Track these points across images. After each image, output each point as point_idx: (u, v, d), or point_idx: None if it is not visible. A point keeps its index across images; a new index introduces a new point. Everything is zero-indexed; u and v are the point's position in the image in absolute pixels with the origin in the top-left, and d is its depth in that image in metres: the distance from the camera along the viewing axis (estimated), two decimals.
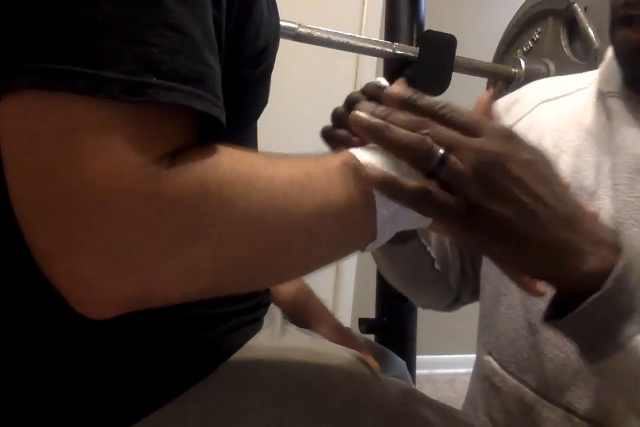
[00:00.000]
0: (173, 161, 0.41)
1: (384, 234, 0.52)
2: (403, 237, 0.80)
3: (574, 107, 0.81)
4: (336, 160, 0.50)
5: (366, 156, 0.51)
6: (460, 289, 0.92)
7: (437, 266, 0.87)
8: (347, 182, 0.49)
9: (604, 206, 0.71)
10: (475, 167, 0.48)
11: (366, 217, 0.50)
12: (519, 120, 0.86)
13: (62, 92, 0.39)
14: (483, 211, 0.49)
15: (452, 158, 0.49)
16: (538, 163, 0.51)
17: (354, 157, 0.50)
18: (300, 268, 0.51)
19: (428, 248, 0.85)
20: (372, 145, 0.53)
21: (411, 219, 0.52)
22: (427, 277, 0.89)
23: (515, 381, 0.78)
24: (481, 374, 0.84)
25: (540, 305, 0.74)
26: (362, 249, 0.53)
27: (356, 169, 0.50)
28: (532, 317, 0.76)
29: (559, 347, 0.73)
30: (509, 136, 0.51)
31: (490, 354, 0.82)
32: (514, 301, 0.79)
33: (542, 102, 0.86)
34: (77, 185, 0.39)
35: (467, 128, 0.50)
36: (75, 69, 0.39)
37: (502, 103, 0.89)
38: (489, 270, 0.86)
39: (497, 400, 0.80)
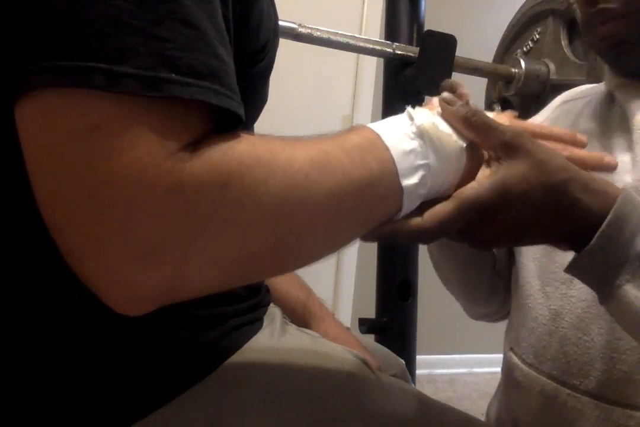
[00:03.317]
0: (193, 152, 0.41)
1: (410, 204, 0.52)
2: None
3: (587, 103, 0.86)
4: (353, 136, 0.50)
5: (382, 129, 0.52)
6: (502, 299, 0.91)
7: (498, 266, 0.85)
8: (366, 157, 0.49)
9: (623, 180, 0.72)
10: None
11: (389, 189, 0.50)
12: (544, 120, 0.91)
13: (80, 88, 0.39)
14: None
15: None
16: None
17: (370, 130, 0.51)
18: (327, 247, 0.51)
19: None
20: (384, 120, 0.54)
21: (435, 187, 0.53)
22: (485, 278, 0.88)
23: (534, 373, 0.78)
24: (504, 371, 0.85)
25: (562, 289, 0.76)
26: (390, 220, 0.53)
27: (374, 142, 0.50)
28: (553, 302, 0.77)
29: (582, 330, 0.74)
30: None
31: (512, 349, 0.83)
32: (532, 290, 0.80)
33: (562, 102, 0.91)
34: (101, 183, 0.39)
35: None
36: (91, 65, 0.39)
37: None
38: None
39: (517, 396, 0.80)
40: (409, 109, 0.55)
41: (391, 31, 1.50)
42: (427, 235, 0.53)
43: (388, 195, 0.50)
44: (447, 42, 1.31)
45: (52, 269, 0.50)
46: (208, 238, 0.41)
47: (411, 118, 0.54)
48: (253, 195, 0.42)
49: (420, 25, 1.49)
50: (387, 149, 0.50)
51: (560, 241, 0.58)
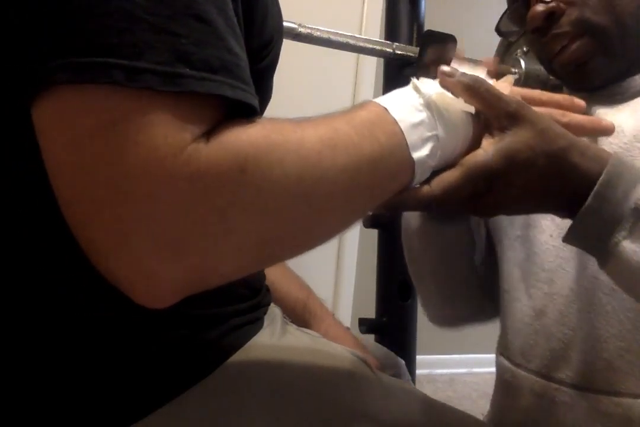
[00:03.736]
0: (208, 140, 0.42)
1: (421, 175, 0.53)
2: (451, 217, 0.80)
3: None
4: (361, 112, 0.51)
5: (389, 103, 0.52)
6: (486, 282, 0.91)
7: (478, 261, 0.86)
8: (375, 132, 0.50)
9: None
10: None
11: (400, 162, 0.51)
12: None
13: (99, 84, 0.39)
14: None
15: None
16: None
17: (377, 105, 0.52)
18: (345, 221, 0.52)
19: (476, 237, 0.84)
20: (390, 93, 0.55)
21: (444, 157, 0.54)
22: (460, 273, 0.88)
23: (522, 372, 0.79)
24: (496, 377, 0.85)
25: (545, 289, 0.78)
26: (405, 188, 0.54)
27: (382, 116, 0.51)
28: (537, 302, 0.79)
29: (565, 324, 0.76)
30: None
31: (501, 353, 0.84)
32: (518, 293, 0.81)
33: None
34: (122, 177, 0.40)
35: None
36: (109, 60, 0.39)
37: None
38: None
39: (508, 398, 0.81)
40: (414, 80, 0.56)
41: (391, 31, 1.50)
42: (436, 202, 0.55)
43: (400, 168, 0.52)
44: (447, 42, 1.31)
45: (52, 269, 0.50)
46: (230, 224, 0.42)
47: (417, 90, 0.54)
48: (270, 177, 0.43)
49: (420, 25, 1.49)
50: (395, 122, 0.51)
51: (560, 207, 0.59)
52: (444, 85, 0.57)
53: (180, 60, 0.41)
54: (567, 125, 0.60)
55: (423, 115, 0.53)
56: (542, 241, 0.79)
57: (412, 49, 1.35)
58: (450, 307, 0.94)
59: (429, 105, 0.53)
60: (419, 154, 0.52)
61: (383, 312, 1.54)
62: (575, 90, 0.84)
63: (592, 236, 0.58)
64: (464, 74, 0.57)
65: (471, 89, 0.56)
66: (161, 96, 0.40)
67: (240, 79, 0.44)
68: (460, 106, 0.55)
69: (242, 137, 0.43)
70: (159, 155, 0.40)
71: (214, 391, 0.55)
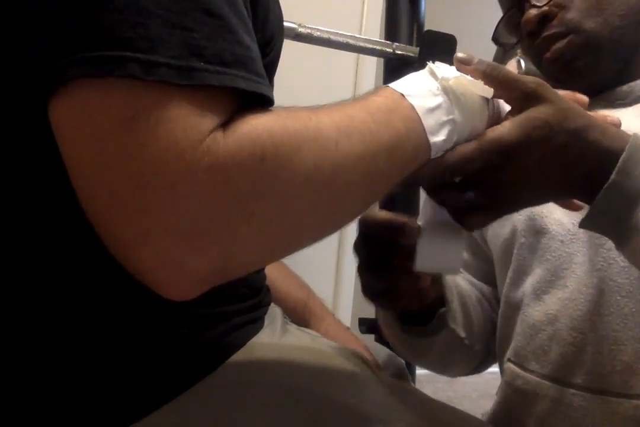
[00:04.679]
0: (226, 130, 0.42)
1: (438, 153, 0.54)
2: (430, 331, 0.79)
3: None
4: (376, 98, 0.51)
5: (405, 88, 0.52)
6: (489, 347, 0.91)
7: (466, 341, 0.84)
8: (392, 118, 0.50)
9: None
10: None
11: (418, 147, 0.51)
12: None
13: (116, 77, 0.40)
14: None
15: None
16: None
17: (393, 91, 0.52)
18: (363, 205, 0.52)
19: (457, 330, 0.82)
20: (405, 78, 0.55)
21: (460, 141, 0.54)
22: (456, 356, 0.88)
23: (537, 379, 0.78)
24: (502, 385, 0.84)
25: (559, 294, 0.77)
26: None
27: (399, 102, 0.51)
28: (550, 307, 0.78)
29: (575, 329, 0.75)
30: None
31: (510, 360, 0.83)
32: (527, 299, 0.81)
33: None
34: (143, 171, 0.40)
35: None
36: (125, 54, 0.40)
37: None
38: (501, 290, 0.88)
39: (523, 405, 0.80)
40: (430, 64, 0.56)
41: (391, 31, 1.50)
42: (449, 170, 0.54)
43: (417, 153, 0.52)
44: (447, 42, 1.31)
45: (52, 269, 0.50)
46: (251, 213, 0.42)
47: (433, 74, 0.54)
48: (288, 166, 0.43)
49: (420, 25, 1.49)
50: (412, 107, 0.51)
51: (578, 186, 0.58)
52: (461, 72, 0.57)
53: (193, 54, 0.41)
54: None
55: (440, 99, 0.53)
56: (554, 248, 0.79)
57: (412, 49, 1.35)
58: (455, 374, 0.98)
59: (446, 89, 0.53)
60: (436, 138, 0.52)
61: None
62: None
63: (613, 213, 0.57)
64: (480, 60, 0.57)
65: (489, 75, 0.56)
66: (177, 89, 0.41)
67: (254, 72, 0.45)
68: (478, 90, 0.55)
69: (258, 126, 0.43)
70: (178, 148, 0.40)
71: (215, 390, 0.55)
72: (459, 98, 0.54)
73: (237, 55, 0.44)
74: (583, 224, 0.60)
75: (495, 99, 0.59)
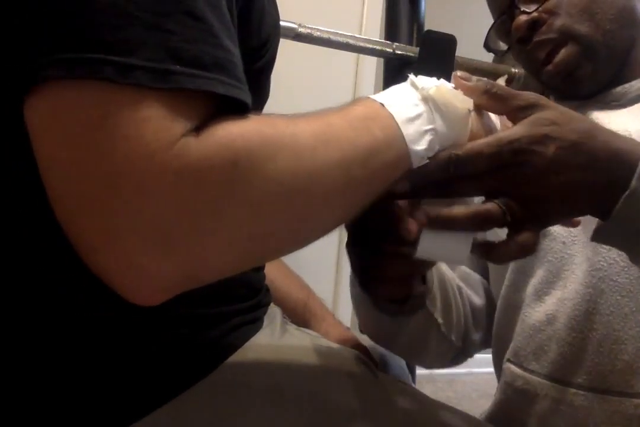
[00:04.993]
0: (199, 135, 0.42)
1: (419, 163, 0.53)
2: (409, 309, 0.73)
3: None
4: (356, 107, 0.51)
5: (385, 98, 0.52)
6: (465, 342, 0.89)
7: (443, 328, 0.83)
8: (371, 126, 0.49)
9: None
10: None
11: (398, 156, 0.51)
12: None
13: (91, 80, 0.40)
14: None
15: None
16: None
17: (373, 100, 0.52)
18: (342, 215, 0.51)
19: (435, 314, 0.80)
20: (387, 90, 0.55)
21: (443, 146, 0.53)
22: (431, 343, 0.86)
23: (537, 378, 0.78)
24: (502, 386, 0.84)
25: (558, 295, 0.77)
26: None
27: (378, 111, 0.51)
28: (549, 307, 0.78)
29: (574, 329, 0.75)
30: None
31: (509, 360, 0.83)
32: (528, 299, 0.81)
33: None
34: (112, 172, 0.40)
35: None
36: (101, 56, 0.40)
37: None
38: (496, 290, 0.87)
39: (523, 405, 0.80)
40: (411, 76, 0.55)
41: (391, 31, 1.50)
42: (455, 162, 0.53)
43: (398, 162, 0.51)
44: (447, 42, 1.31)
45: (52, 269, 0.50)
46: (222, 219, 0.42)
47: (414, 85, 0.54)
48: (263, 172, 0.43)
49: (420, 25, 1.49)
50: (391, 116, 0.51)
51: (594, 192, 0.55)
52: (460, 88, 0.57)
53: (171, 57, 0.41)
54: None
55: (420, 109, 0.52)
56: (555, 249, 0.79)
57: (412, 49, 1.35)
58: (429, 364, 0.93)
59: (426, 99, 0.53)
60: (417, 147, 0.51)
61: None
62: (564, 98, 0.84)
63: (632, 225, 0.54)
64: (479, 78, 0.57)
65: (488, 92, 0.56)
66: (152, 92, 0.40)
67: (233, 76, 0.44)
68: (458, 101, 0.55)
69: (233, 131, 0.43)
70: (148, 150, 0.40)
71: (214, 390, 0.55)
72: (440, 108, 0.53)
73: (218, 59, 0.43)
74: (597, 237, 0.57)
75: (487, 114, 0.59)
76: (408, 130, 0.51)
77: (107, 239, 0.41)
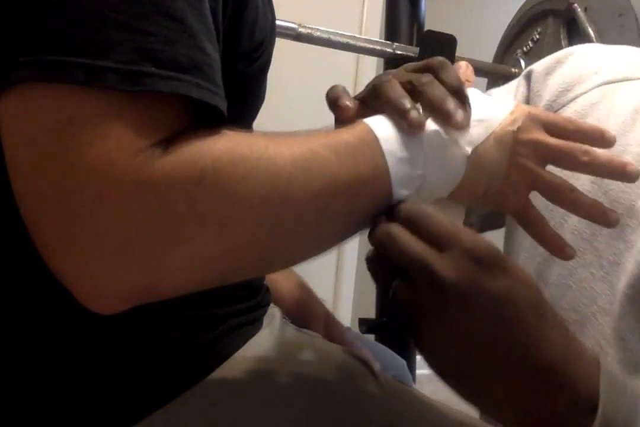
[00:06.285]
0: (167, 148, 0.41)
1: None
2: None
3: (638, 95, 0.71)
4: (348, 136, 0.48)
5: (382, 130, 0.49)
6: None
7: None
8: (359, 161, 0.47)
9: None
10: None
11: (380, 196, 0.48)
12: (572, 100, 0.75)
13: (59, 83, 0.39)
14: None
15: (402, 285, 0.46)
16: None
17: (369, 131, 0.48)
18: (313, 248, 0.49)
19: None
20: (383, 116, 0.50)
21: (428, 194, 0.51)
22: None
23: None
24: None
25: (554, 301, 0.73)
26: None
27: (370, 144, 0.48)
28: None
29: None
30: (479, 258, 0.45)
31: None
32: None
33: (603, 83, 0.74)
34: (71, 177, 0.39)
35: (436, 241, 0.45)
36: (71, 59, 0.39)
37: (540, 68, 0.79)
38: None
39: None
40: None
41: (391, 31, 1.51)
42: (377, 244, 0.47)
43: (378, 202, 0.49)
44: (447, 42, 1.31)
45: (48, 269, 0.50)
46: (182, 235, 0.41)
47: None
48: (231, 192, 0.42)
49: (420, 25, 1.49)
50: (382, 155, 0.48)
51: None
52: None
53: (146, 58, 0.40)
54: (586, 166, 0.53)
55: (414, 151, 0.49)
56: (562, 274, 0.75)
57: (412, 49, 1.35)
58: None
59: (422, 141, 0.49)
60: (403, 192, 0.48)
61: (383, 312, 1.54)
62: None
63: None
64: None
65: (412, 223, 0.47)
66: (122, 97, 0.39)
67: (210, 80, 0.43)
68: (458, 145, 0.51)
69: (203, 148, 0.41)
70: (109, 158, 0.39)
71: (213, 391, 0.55)
72: (435, 152, 0.50)
73: (195, 61, 0.42)
74: None
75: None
76: (397, 174, 0.48)
77: (64, 244, 0.40)
